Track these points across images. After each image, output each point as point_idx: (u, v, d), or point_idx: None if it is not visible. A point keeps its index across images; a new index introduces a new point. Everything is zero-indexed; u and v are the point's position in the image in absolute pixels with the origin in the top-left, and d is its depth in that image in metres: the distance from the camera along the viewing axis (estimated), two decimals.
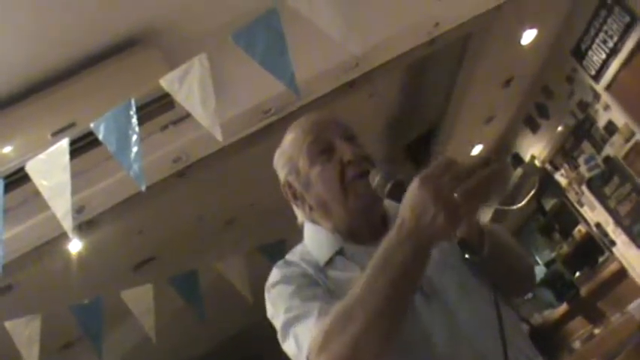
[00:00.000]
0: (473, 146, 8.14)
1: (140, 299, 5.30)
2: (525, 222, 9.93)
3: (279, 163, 2.01)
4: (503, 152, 8.48)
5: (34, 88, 3.93)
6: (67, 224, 3.13)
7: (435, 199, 1.38)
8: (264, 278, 1.91)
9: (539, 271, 11.26)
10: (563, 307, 9.07)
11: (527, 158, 8.32)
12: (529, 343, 1.87)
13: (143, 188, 3.03)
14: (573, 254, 8.79)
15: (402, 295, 1.50)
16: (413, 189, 1.43)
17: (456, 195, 1.38)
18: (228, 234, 6.95)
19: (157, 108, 3.95)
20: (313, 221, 1.97)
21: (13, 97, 3.93)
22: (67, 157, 3.22)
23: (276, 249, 5.63)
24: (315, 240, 1.93)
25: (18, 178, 3.68)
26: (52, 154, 3.26)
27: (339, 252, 1.85)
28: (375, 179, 1.70)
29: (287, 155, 1.97)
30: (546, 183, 8.32)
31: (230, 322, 9.51)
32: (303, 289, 1.75)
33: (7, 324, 4.82)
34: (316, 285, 1.77)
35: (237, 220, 6.88)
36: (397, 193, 1.59)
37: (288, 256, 1.93)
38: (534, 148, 8.18)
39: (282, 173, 1.99)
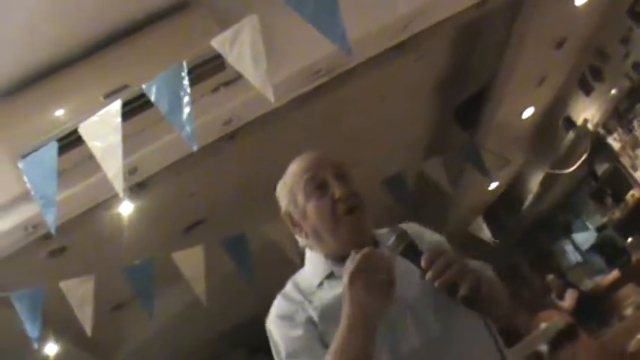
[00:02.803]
0: (524, 109, 8.00)
1: (191, 261, 5.34)
2: (577, 187, 9.82)
3: (282, 194, 2.25)
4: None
5: (87, 51, 3.96)
6: (119, 185, 3.14)
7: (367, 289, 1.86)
8: None
9: (590, 236, 11.17)
10: (614, 274, 8.97)
11: (579, 122, 8.17)
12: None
13: (195, 149, 3.03)
14: (626, 220, 8.68)
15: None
16: (345, 286, 1.88)
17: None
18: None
19: (209, 70, 3.96)
20: (310, 247, 2.23)
21: (66, 61, 3.96)
22: (119, 118, 3.22)
23: None
24: (311, 265, 2.22)
25: (72, 141, 3.72)
26: (104, 116, 3.27)
27: (330, 275, 2.12)
28: (391, 239, 2.00)
29: (288, 188, 2.21)
30: (599, 147, 8.19)
31: (279, 287, 9.58)
32: (290, 337, 2.05)
33: (62, 284, 4.90)
34: (303, 327, 2.04)
35: None
36: (409, 253, 1.98)
37: (287, 286, 2.21)
38: (587, 112, 8.03)
39: (283, 203, 2.24)
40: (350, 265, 1.89)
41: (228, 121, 4.36)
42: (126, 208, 5.53)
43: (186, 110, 3.12)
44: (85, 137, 3.31)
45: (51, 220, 3.26)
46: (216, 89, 4.22)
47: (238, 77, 3.48)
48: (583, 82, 7.84)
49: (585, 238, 11.38)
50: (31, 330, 4.57)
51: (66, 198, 4.06)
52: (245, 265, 5.50)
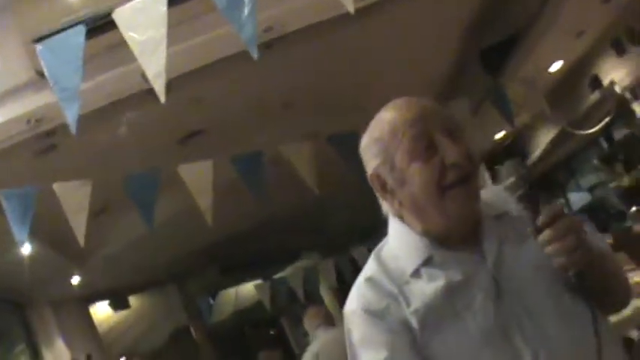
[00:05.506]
0: (553, 62, 7.57)
1: (197, 175, 4.93)
2: (586, 146, 9.51)
3: (370, 150, 1.84)
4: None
5: None
6: (160, 85, 2.71)
7: None
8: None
9: (583, 196, 10.95)
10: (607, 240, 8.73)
11: (606, 82, 7.78)
12: None
13: (255, 55, 2.59)
14: (634, 188, 8.44)
15: None
16: None
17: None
18: (287, 117, 6.60)
19: None
20: (401, 218, 1.85)
21: None
22: (165, 7, 2.77)
23: (348, 140, 5.34)
24: (402, 242, 1.83)
25: (97, 27, 3.24)
26: (147, 3, 2.80)
27: (427, 261, 1.76)
28: (510, 180, 1.71)
29: (383, 144, 1.80)
30: (621, 111, 7.85)
31: (281, 211, 9.32)
32: (376, 342, 1.71)
33: (56, 186, 4.48)
34: (394, 332, 1.70)
35: (298, 104, 6.49)
36: (528, 201, 1.66)
37: (372, 266, 1.83)
38: (616, 73, 7.63)
39: (372, 161, 1.84)
40: None
41: (268, 29, 3.89)
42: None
43: (247, 9, 2.67)
44: (120, 26, 2.85)
45: (72, 115, 2.82)
46: None
47: None
48: (617, 42, 7.42)
49: (578, 198, 11.20)
50: (19, 232, 4.19)
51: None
52: (257, 186, 5.09)
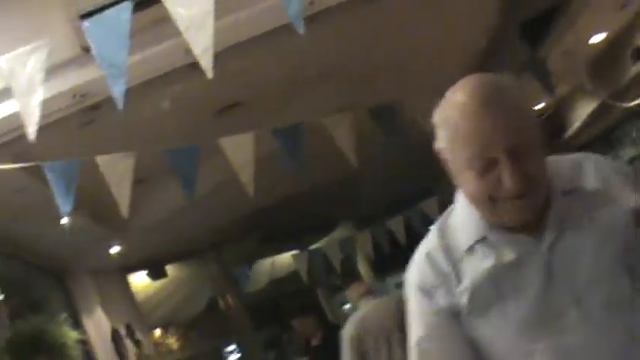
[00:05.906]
0: (595, 34, 7.46)
1: (238, 148, 4.95)
2: (627, 118, 9.39)
3: (441, 128, 1.72)
4: None
5: None
6: (207, 60, 2.72)
7: None
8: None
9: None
10: None
11: None
12: None
13: (301, 30, 2.59)
14: None
15: None
16: None
17: None
18: (326, 89, 6.60)
19: None
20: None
21: None
22: None
23: (387, 112, 5.36)
24: (464, 214, 1.80)
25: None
26: None
27: (482, 239, 1.74)
28: None
29: (450, 130, 1.69)
30: None
31: (320, 178, 9.34)
32: (426, 323, 1.79)
33: (99, 159, 4.53)
34: (441, 314, 1.77)
35: (337, 76, 6.48)
36: None
37: (431, 240, 1.84)
38: None
39: (440, 140, 1.73)
40: None
41: (312, 2, 3.89)
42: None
43: None
44: (165, 0, 2.87)
45: (119, 91, 2.86)
46: None
47: None
48: None
49: None
50: (64, 203, 4.23)
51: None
52: (297, 158, 5.11)
